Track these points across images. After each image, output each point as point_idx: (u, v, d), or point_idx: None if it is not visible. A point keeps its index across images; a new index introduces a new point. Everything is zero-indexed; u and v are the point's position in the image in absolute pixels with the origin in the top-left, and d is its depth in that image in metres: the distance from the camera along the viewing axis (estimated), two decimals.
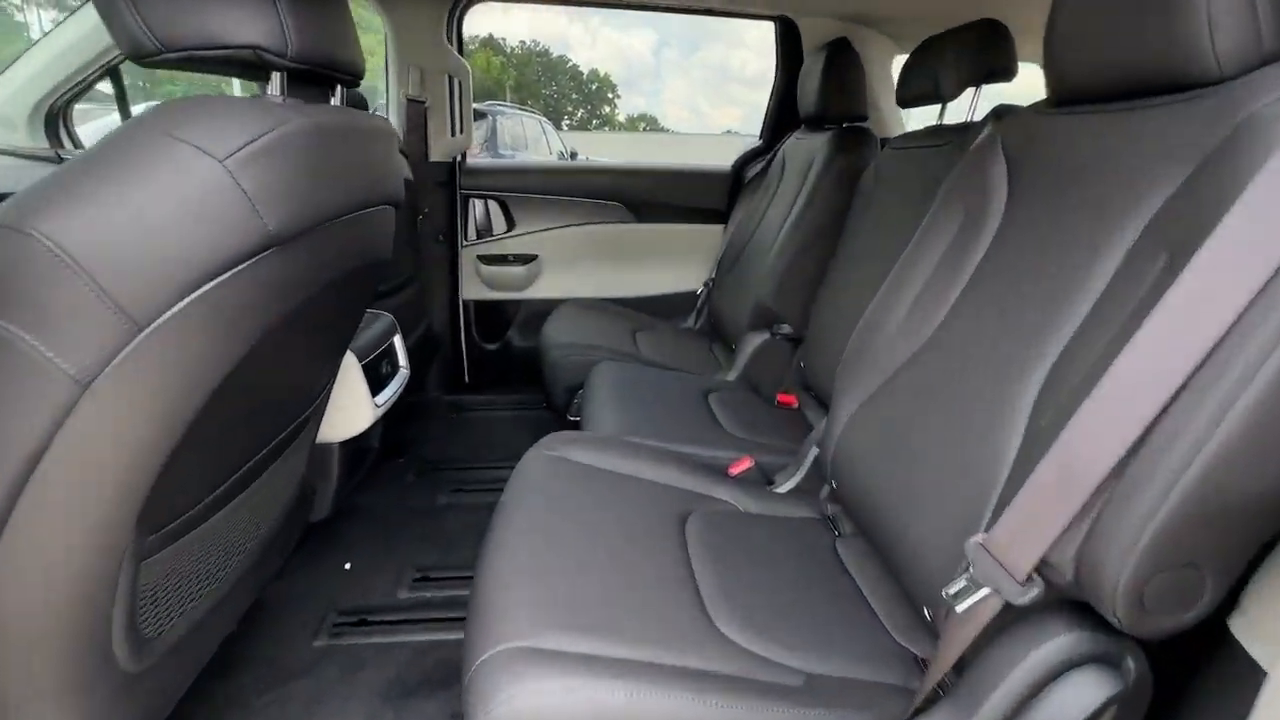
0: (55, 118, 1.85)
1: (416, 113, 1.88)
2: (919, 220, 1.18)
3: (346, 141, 0.73)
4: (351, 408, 1.18)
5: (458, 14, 1.90)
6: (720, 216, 2.18)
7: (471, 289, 2.18)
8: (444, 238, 2.07)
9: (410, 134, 1.89)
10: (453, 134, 1.98)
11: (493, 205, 2.15)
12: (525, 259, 2.18)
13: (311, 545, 1.33)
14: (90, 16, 1.75)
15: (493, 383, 2.26)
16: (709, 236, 2.19)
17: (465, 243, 2.13)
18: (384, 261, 0.95)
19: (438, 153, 1.97)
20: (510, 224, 2.16)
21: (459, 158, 2.05)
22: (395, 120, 1.91)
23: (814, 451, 1.11)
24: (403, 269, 1.80)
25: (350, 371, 1.15)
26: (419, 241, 1.98)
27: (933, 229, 0.94)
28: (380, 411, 1.23)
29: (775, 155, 1.96)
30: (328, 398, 1.06)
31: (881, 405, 0.91)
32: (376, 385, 1.25)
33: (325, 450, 1.19)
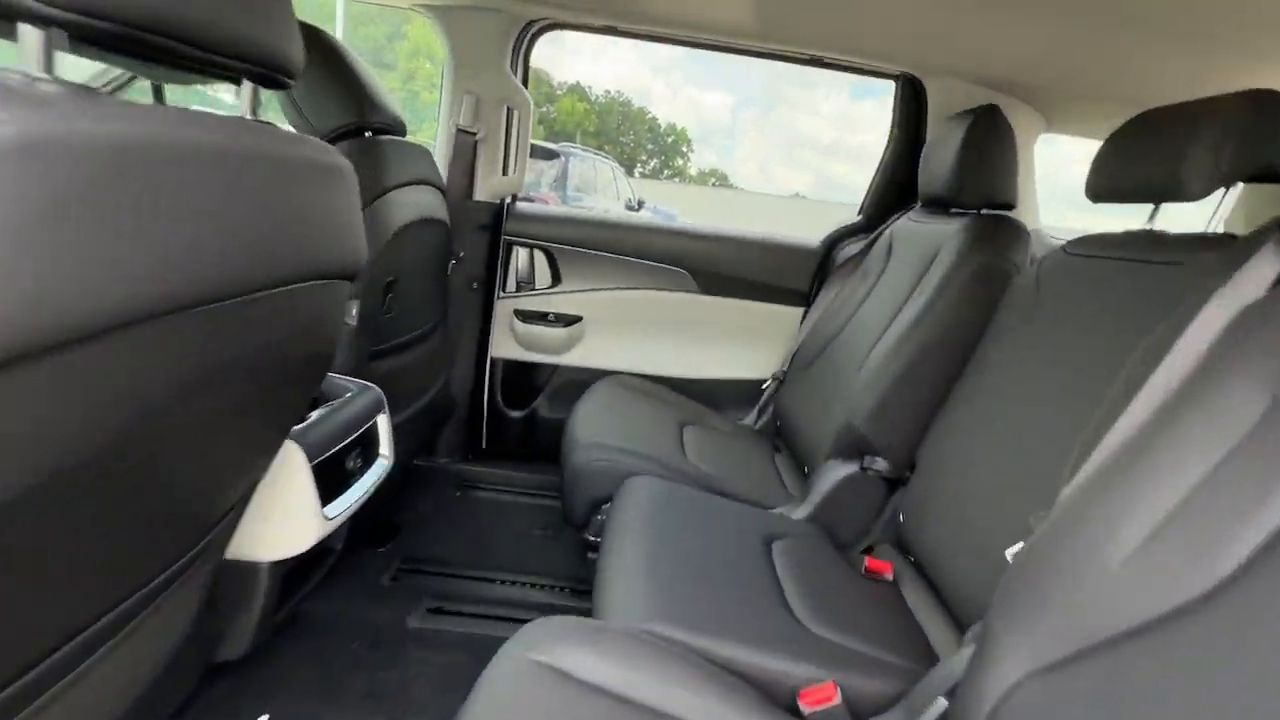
0: None
1: (465, 145, 1.64)
2: (1120, 362, 0.82)
3: (218, 176, 0.44)
4: (289, 521, 0.87)
5: (527, 40, 1.68)
6: (801, 299, 1.84)
7: (503, 346, 1.89)
8: (479, 286, 1.80)
9: (455, 168, 1.65)
10: (505, 172, 1.73)
11: (538, 256, 1.88)
12: (568, 320, 1.88)
13: (222, 682, 1.01)
14: None
15: (512, 455, 1.94)
16: (785, 320, 1.85)
17: (502, 294, 1.86)
18: (323, 355, 0.65)
19: (484, 192, 1.72)
20: (556, 278, 1.88)
21: (508, 200, 1.79)
22: (442, 152, 1.68)
23: (939, 706, 0.72)
24: (427, 317, 1.52)
25: (292, 474, 0.85)
26: (449, 288, 1.71)
27: (1198, 407, 0.57)
28: (333, 525, 0.92)
29: (879, 236, 1.62)
30: (238, 516, 0.76)
31: (1094, 682, 0.53)
32: (335, 487, 0.94)
33: (247, 572, 0.87)
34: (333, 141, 1.21)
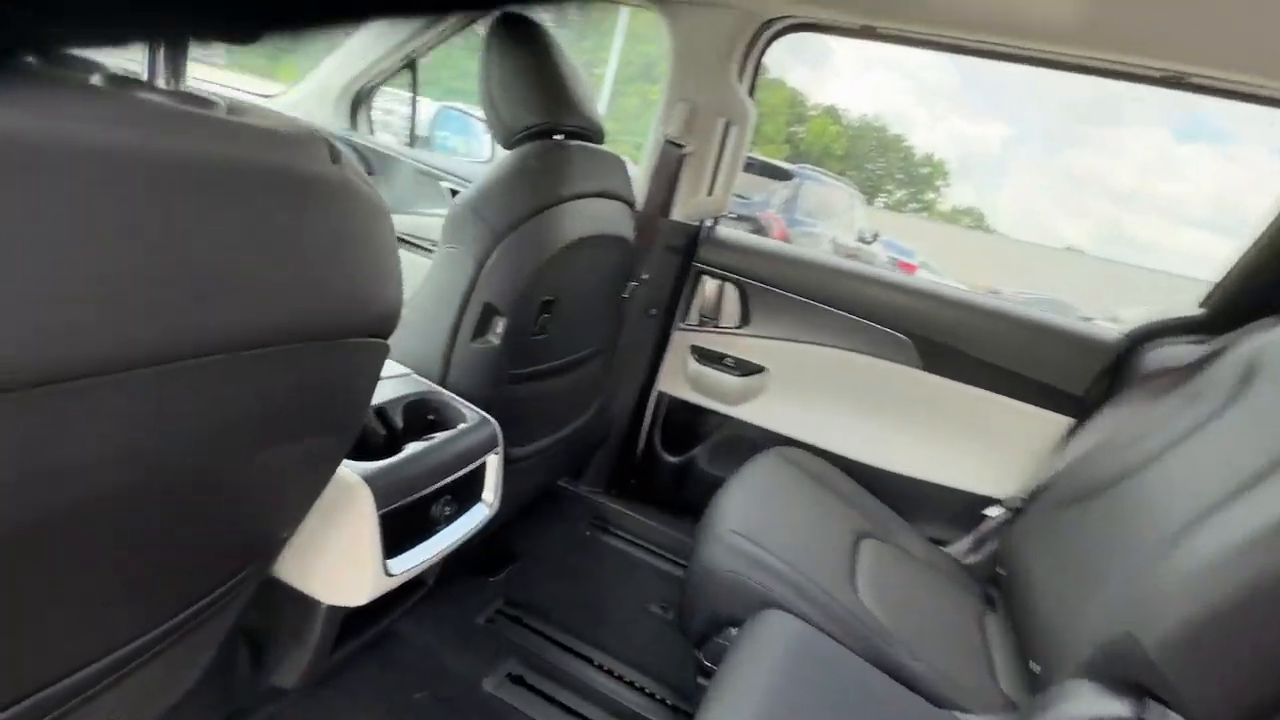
0: (357, 100, 1.90)
1: (670, 157, 1.46)
2: None
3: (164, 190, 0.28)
4: (346, 569, 0.75)
5: (762, 42, 1.44)
6: (1073, 406, 1.33)
7: (672, 381, 1.69)
8: (658, 313, 1.62)
9: (655, 182, 1.48)
10: (709, 192, 1.52)
11: (729, 289, 1.63)
12: (749, 368, 1.61)
13: (269, 706, 0.94)
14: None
15: (658, 501, 1.73)
16: (1040, 430, 1.36)
17: (682, 325, 1.66)
18: (342, 425, 0.49)
19: (681, 211, 1.53)
20: (744, 318, 1.62)
21: (707, 223, 1.58)
22: (646, 163, 1.52)
23: None
24: (589, 341, 1.38)
25: (354, 518, 0.72)
26: (623, 310, 1.56)
27: None
28: (395, 583, 0.78)
29: (1229, 347, 1.08)
30: (269, 560, 0.64)
31: None
32: (412, 536, 0.81)
33: (305, 605, 0.78)
34: (519, 141, 1.11)
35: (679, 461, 1.75)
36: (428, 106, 2.65)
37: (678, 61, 1.44)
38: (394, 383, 0.95)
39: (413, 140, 1.94)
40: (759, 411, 1.63)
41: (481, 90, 1.13)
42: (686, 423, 1.74)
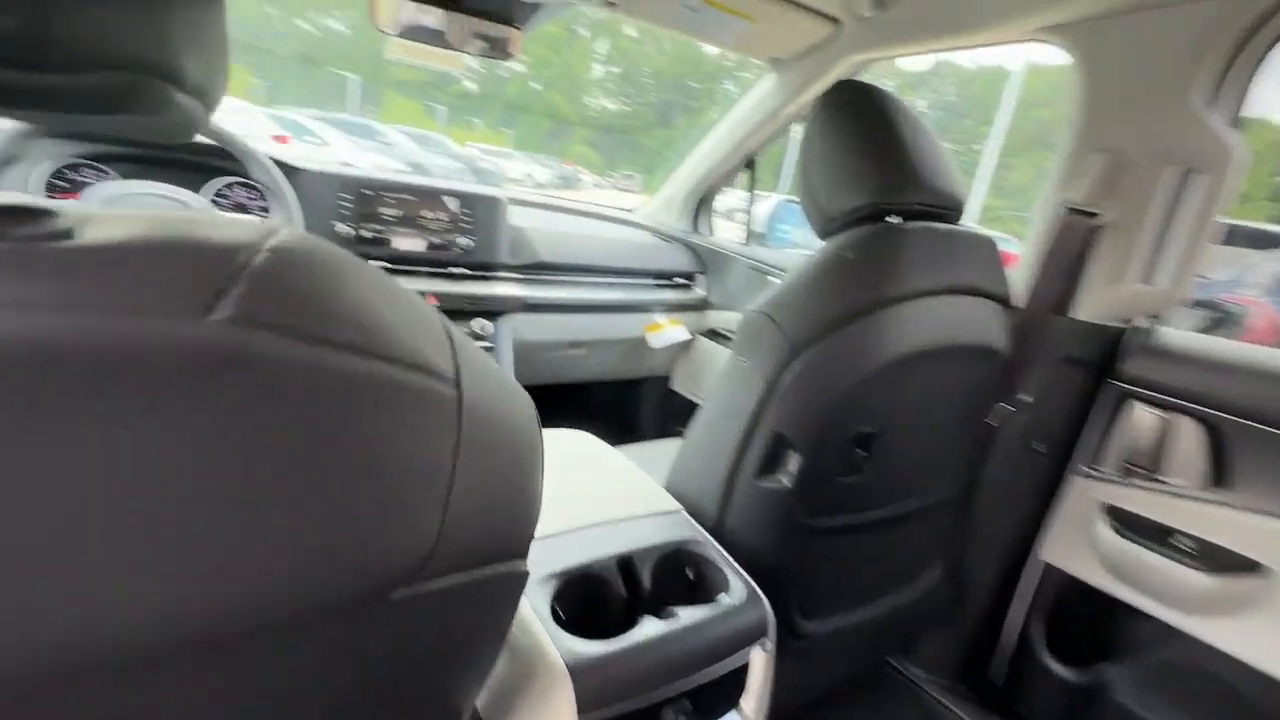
0: (700, 204, 1.97)
1: (1074, 231, 1.01)
2: None
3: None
4: None
5: (1259, 46, 0.90)
6: None
7: (1068, 551, 1.14)
8: (1046, 450, 1.13)
9: (1048, 266, 1.05)
10: (1145, 279, 1.01)
11: (1185, 424, 1.02)
12: (1230, 562, 0.97)
13: None
14: (734, 113, 1.73)
15: None
16: None
17: (1090, 470, 1.11)
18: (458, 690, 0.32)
19: (1091, 307, 1.04)
20: (1219, 476, 0.99)
21: (1142, 322, 1.05)
22: (1032, 242, 1.10)
23: None
24: (930, 488, 1.01)
25: (548, 715, 0.55)
26: (990, 443, 1.13)
27: None
28: None
29: None
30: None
31: None
32: None
33: None
34: (838, 229, 0.88)
35: (1076, 678, 1.15)
36: (770, 201, 2.63)
37: (1092, 99, 1.01)
38: (657, 522, 0.80)
39: (749, 236, 1.89)
40: (1249, 640, 0.95)
41: (799, 172, 0.96)
42: (1091, 617, 1.14)
